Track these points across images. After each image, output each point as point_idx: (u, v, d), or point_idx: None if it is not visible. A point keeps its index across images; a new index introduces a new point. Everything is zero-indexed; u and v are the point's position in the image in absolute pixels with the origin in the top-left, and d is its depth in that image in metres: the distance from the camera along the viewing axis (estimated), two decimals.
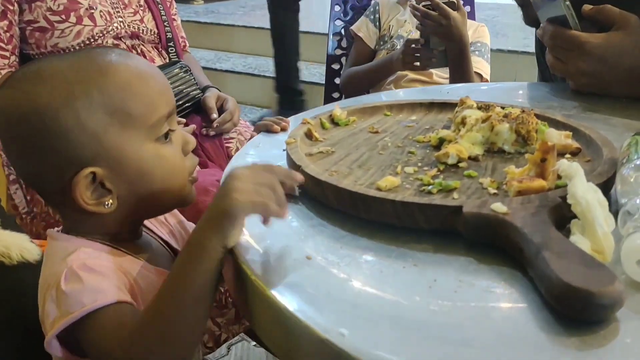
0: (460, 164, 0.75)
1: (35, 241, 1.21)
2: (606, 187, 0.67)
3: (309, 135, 0.83)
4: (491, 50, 2.06)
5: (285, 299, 0.54)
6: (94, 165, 0.69)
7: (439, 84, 1.99)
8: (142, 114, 0.71)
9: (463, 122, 0.81)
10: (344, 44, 2.26)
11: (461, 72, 1.76)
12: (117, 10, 1.58)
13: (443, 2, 1.64)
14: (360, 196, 0.65)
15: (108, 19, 1.54)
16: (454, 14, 1.64)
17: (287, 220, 0.67)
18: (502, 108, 0.85)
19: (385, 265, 0.58)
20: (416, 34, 1.84)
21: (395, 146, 0.82)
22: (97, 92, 0.69)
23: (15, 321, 1.09)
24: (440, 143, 0.80)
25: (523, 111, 0.80)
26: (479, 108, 0.84)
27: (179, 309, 0.62)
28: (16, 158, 0.73)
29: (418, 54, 1.78)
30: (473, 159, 0.77)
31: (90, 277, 0.66)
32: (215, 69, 4.13)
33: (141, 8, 1.64)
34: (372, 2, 2.15)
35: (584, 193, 0.59)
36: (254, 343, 2.00)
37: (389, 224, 0.64)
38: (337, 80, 2.23)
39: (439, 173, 0.73)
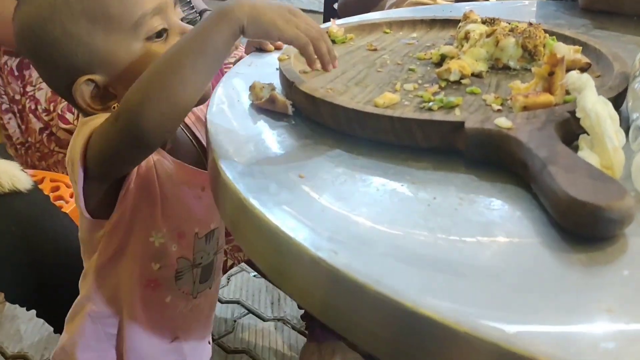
0: (463, 81, 0.71)
1: (27, 170, 1.19)
2: (617, 102, 0.64)
3: None
4: None
5: (277, 217, 0.51)
6: (90, 72, 0.72)
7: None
8: (122, 14, 0.72)
9: (466, 38, 0.77)
10: None
11: None
12: None
13: None
14: (357, 113, 0.62)
15: None
16: None
17: (280, 139, 0.64)
18: (508, 23, 0.81)
19: (382, 184, 0.55)
20: None
21: (394, 63, 0.78)
22: (76, 1, 0.71)
23: (8, 248, 1.09)
24: (442, 60, 0.76)
25: (530, 24, 0.76)
26: (484, 22, 0.80)
27: (186, 59, 0.62)
28: (39, 72, 0.79)
29: None
30: (476, 75, 0.73)
31: None
32: None
33: None
34: None
35: (594, 105, 0.55)
36: (254, 273, 2.01)
37: (386, 142, 0.61)
38: (336, 6, 2.16)
39: (440, 90, 0.69)
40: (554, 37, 0.77)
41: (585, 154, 0.55)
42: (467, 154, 0.58)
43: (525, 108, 0.61)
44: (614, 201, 0.45)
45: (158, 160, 0.78)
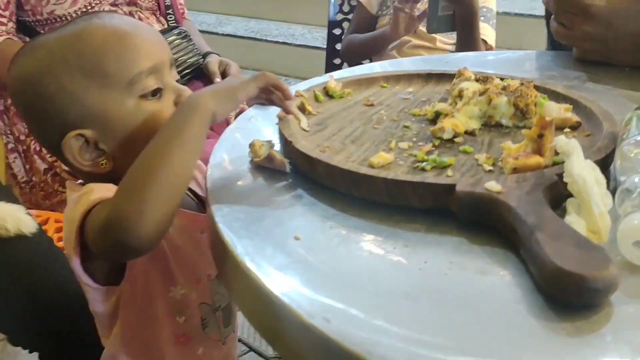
0: (456, 139, 0.73)
1: (32, 211, 1.20)
2: (605, 163, 0.65)
3: (301, 108, 0.81)
4: (497, 13, 2.02)
5: (271, 281, 0.52)
6: (82, 127, 0.73)
7: (442, 50, 1.96)
8: (118, 72, 0.74)
9: (460, 95, 0.79)
10: (345, 8, 2.22)
11: (468, 39, 1.73)
12: None
13: None
14: (352, 174, 0.63)
15: None
16: None
17: (278, 198, 0.66)
18: (501, 79, 0.83)
19: (375, 246, 0.57)
20: None
21: (390, 120, 0.80)
22: (73, 56, 0.73)
23: (12, 293, 1.10)
24: (436, 117, 0.78)
25: (522, 83, 0.78)
26: (477, 80, 0.82)
27: (168, 152, 0.63)
28: (29, 126, 0.81)
29: (405, 12, 1.75)
30: (469, 133, 0.75)
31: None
32: (217, 33, 4.04)
33: None
34: None
35: (581, 171, 0.57)
36: None
37: (380, 202, 0.63)
38: (339, 46, 2.20)
39: (433, 148, 0.71)
40: (546, 95, 0.79)
41: (573, 218, 0.56)
42: (459, 216, 0.60)
43: (515, 170, 0.63)
44: (598, 271, 0.47)
45: None
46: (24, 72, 0.75)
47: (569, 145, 0.60)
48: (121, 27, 0.76)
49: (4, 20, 1.46)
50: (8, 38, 1.47)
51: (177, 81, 0.79)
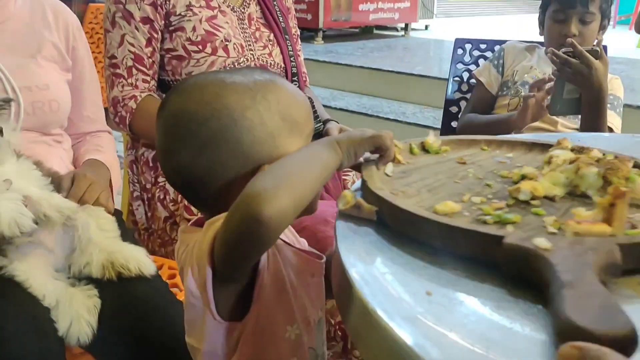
0: (533, 202, 0.72)
1: (150, 256, 1.29)
2: None
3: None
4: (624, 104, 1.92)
5: (404, 332, 0.52)
6: (266, 162, 0.77)
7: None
8: (304, 123, 0.82)
9: (550, 162, 0.78)
10: (464, 87, 2.23)
11: (594, 123, 1.66)
12: (249, 43, 1.64)
13: (586, 50, 1.56)
14: (409, 215, 0.66)
15: (240, 51, 1.60)
16: (597, 63, 1.55)
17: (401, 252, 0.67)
18: (604, 155, 0.81)
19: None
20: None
21: (475, 177, 0.80)
22: (273, 98, 0.79)
23: (133, 330, 1.13)
24: (521, 179, 0.77)
25: (616, 157, 0.75)
26: (572, 150, 0.80)
27: (307, 166, 0.70)
28: (190, 154, 0.78)
29: (536, 99, 1.70)
30: (550, 199, 0.73)
31: None
32: (330, 107, 4.15)
33: (270, 42, 1.70)
34: (498, 47, 2.10)
35: None
36: None
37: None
38: (454, 124, 2.19)
39: (506, 207, 0.70)
40: None
41: None
42: (504, 269, 0.59)
43: (577, 234, 0.61)
44: (611, 329, 0.44)
45: (280, 249, 0.82)
46: (221, 101, 0.77)
47: None
48: (295, 86, 0.86)
49: (148, 78, 1.55)
50: (149, 95, 1.55)
51: None
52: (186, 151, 0.78)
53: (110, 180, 1.38)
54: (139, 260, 1.15)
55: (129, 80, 1.56)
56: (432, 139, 0.90)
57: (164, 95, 1.63)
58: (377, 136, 0.79)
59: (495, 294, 0.57)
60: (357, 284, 0.60)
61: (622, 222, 0.63)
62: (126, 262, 1.14)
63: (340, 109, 4.20)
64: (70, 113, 1.40)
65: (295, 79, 1.76)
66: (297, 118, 0.80)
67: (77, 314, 1.06)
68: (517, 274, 0.58)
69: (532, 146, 0.92)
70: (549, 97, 1.71)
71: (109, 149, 1.48)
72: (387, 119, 3.92)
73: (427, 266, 0.63)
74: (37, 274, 1.07)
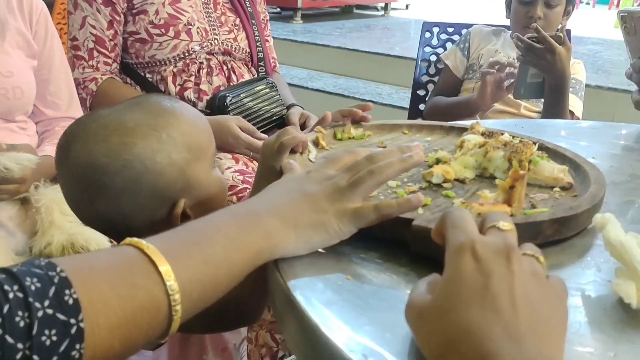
0: (445, 184, 0.74)
1: (112, 241, 1.29)
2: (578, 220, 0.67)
3: (316, 143, 0.87)
4: (590, 86, 1.98)
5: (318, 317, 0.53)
6: (181, 197, 0.78)
7: (526, 117, 1.94)
8: (208, 146, 0.82)
9: (461, 146, 0.83)
10: (431, 70, 2.26)
11: (556, 108, 1.69)
12: (213, 27, 1.64)
13: (550, 36, 1.58)
14: None
15: (204, 35, 1.61)
16: (559, 48, 1.58)
17: None
18: (512, 138, 0.86)
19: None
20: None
21: None
22: (177, 133, 0.78)
23: None
24: (436, 163, 0.81)
25: (520, 141, 0.80)
26: (483, 134, 0.85)
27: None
28: (105, 205, 0.76)
29: (493, 77, 1.74)
30: (461, 181, 0.76)
31: None
32: (307, 88, 4.06)
33: (236, 27, 1.70)
34: (464, 31, 2.15)
35: (617, 236, 0.57)
36: None
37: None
38: (422, 107, 2.24)
39: (419, 190, 0.73)
40: (546, 155, 0.81)
41: (621, 282, 0.55)
42: (412, 249, 0.63)
43: (479, 215, 0.66)
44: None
45: None
46: (125, 151, 0.75)
47: (605, 219, 0.59)
48: (193, 110, 0.84)
49: (110, 60, 1.57)
50: (111, 77, 1.57)
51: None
52: (101, 201, 0.76)
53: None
54: (99, 242, 1.16)
55: (90, 63, 1.55)
56: (353, 129, 0.93)
57: (127, 79, 1.62)
58: (287, 140, 0.76)
59: (403, 271, 0.61)
60: (281, 271, 0.60)
61: (520, 203, 0.67)
62: (86, 243, 1.15)
63: (317, 90, 4.07)
64: (35, 99, 1.37)
65: (261, 64, 1.74)
66: (200, 144, 0.80)
67: None
68: (425, 253, 0.62)
69: (449, 130, 0.96)
70: (511, 80, 1.74)
71: None
72: (363, 99, 3.85)
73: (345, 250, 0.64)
74: None
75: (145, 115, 0.78)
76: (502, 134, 0.84)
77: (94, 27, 1.54)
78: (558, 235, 0.65)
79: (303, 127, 1.66)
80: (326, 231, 0.61)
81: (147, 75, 1.61)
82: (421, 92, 2.25)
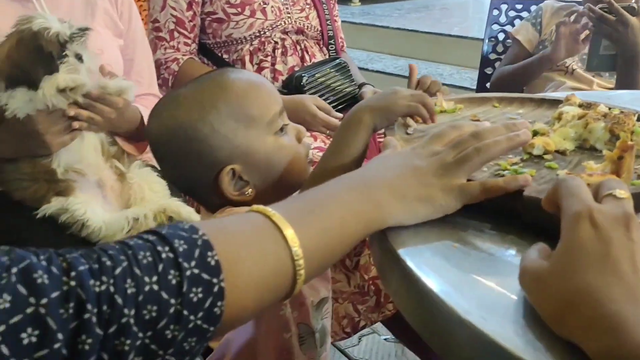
0: (546, 156, 0.73)
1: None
2: None
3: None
4: None
5: (430, 280, 0.55)
6: (231, 163, 0.82)
7: None
8: (261, 115, 0.83)
9: (559, 117, 0.82)
10: (499, 48, 2.20)
11: (630, 81, 1.64)
12: (286, 6, 1.66)
13: (623, 7, 1.54)
14: None
15: (278, 14, 1.63)
16: (632, 20, 1.53)
17: None
18: (610, 109, 0.85)
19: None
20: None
21: None
22: (222, 104, 0.82)
23: None
24: (534, 135, 0.81)
25: (622, 112, 0.80)
26: (580, 106, 0.84)
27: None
28: (172, 170, 0.88)
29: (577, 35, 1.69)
30: (561, 153, 0.75)
31: None
32: (367, 69, 4.00)
33: (307, 6, 1.71)
34: (535, 7, 2.06)
35: None
36: (385, 337, 2.04)
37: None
38: (489, 85, 2.19)
39: (520, 162, 0.73)
40: None
41: None
42: (524, 219, 0.63)
43: (588, 186, 0.66)
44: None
45: None
46: (175, 121, 0.82)
47: None
48: (253, 79, 0.87)
49: (189, 41, 1.61)
50: (190, 58, 1.61)
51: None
52: (166, 167, 0.89)
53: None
54: (189, 210, 1.20)
55: (171, 43, 1.60)
56: (445, 102, 0.94)
57: (205, 60, 1.67)
58: (419, 95, 0.82)
59: (509, 239, 0.62)
60: (390, 239, 0.62)
61: (630, 174, 0.66)
62: (177, 209, 1.19)
63: (377, 72, 4.03)
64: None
65: (331, 42, 1.76)
66: (251, 113, 0.82)
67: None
68: (535, 222, 0.63)
69: (540, 102, 0.95)
70: (587, 32, 1.68)
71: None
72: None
73: (453, 220, 0.64)
74: (94, 207, 1.13)
75: (197, 88, 0.84)
76: (599, 106, 0.84)
77: (174, 8, 1.58)
78: None
79: None
80: (432, 205, 0.63)
81: (224, 56, 1.64)
82: (489, 71, 2.20)
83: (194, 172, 0.84)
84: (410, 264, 0.57)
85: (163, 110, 0.86)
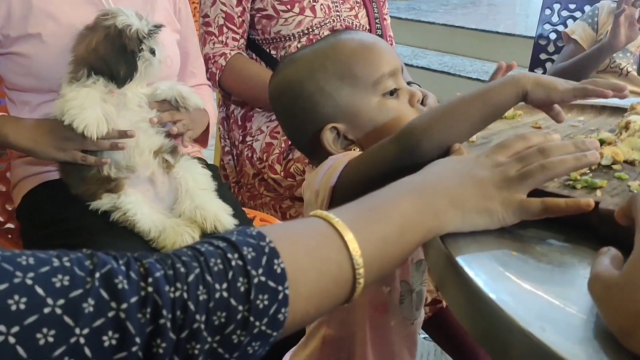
0: (614, 166, 0.71)
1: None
2: None
3: None
4: None
5: (489, 288, 0.54)
6: (335, 121, 0.83)
7: None
8: (366, 74, 0.83)
9: (627, 127, 0.81)
10: (550, 49, 2.13)
11: None
12: (335, 4, 1.65)
13: None
14: None
15: (327, 12, 1.62)
16: None
17: None
18: None
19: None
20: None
21: None
22: (330, 63, 0.84)
23: None
24: (600, 144, 0.80)
25: None
26: None
27: (469, 103, 0.74)
28: (284, 124, 0.92)
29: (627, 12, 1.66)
30: (629, 163, 0.73)
31: None
32: (412, 65, 3.94)
33: (357, 4, 1.69)
34: (590, 7, 2.00)
35: None
36: (424, 336, 2.03)
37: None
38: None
39: (589, 172, 0.71)
40: None
41: None
42: (599, 232, 0.62)
43: None
44: None
45: None
46: (286, 79, 0.87)
47: None
48: (365, 39, 0.87)
49: (237, 36, 1.60)
50: (238, 53, 1.59)
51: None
52: (281, 122, 0.93)
53: (208, 125, 1.42)
54: (216, 217, 1.20)
55: (220, 38, 1.60)
56: None
57: (253, 55, 1.66)
58: (581, 88, 0.75)
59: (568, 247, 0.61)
60: (447, 245, 0.61)
61: None
62: (203, 219, 1.20)
63: (422, 68, 3.95)
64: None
65: None
66: (356, 72, 0.83)
67: (181, 238, 1.14)
68: (612, 236, 0.61)
69: (601, 109, 0.93)
70: None
71: (209, 100, 1.50)
72: (470, 78, 3.73)
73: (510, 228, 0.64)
74: (143, 208, 1.16)
75: (312, 49, 0.87)
76: None
77: (224, 4, 1.58)
78: None
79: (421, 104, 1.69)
80: (490, 217, 0.62)
81: (272, 52, 1.63)
82: (539, 71, 2.14)
83: (301, 128, 0.86)
84: (469, 271, 0.57)
85: (281, 68, 0.89)
